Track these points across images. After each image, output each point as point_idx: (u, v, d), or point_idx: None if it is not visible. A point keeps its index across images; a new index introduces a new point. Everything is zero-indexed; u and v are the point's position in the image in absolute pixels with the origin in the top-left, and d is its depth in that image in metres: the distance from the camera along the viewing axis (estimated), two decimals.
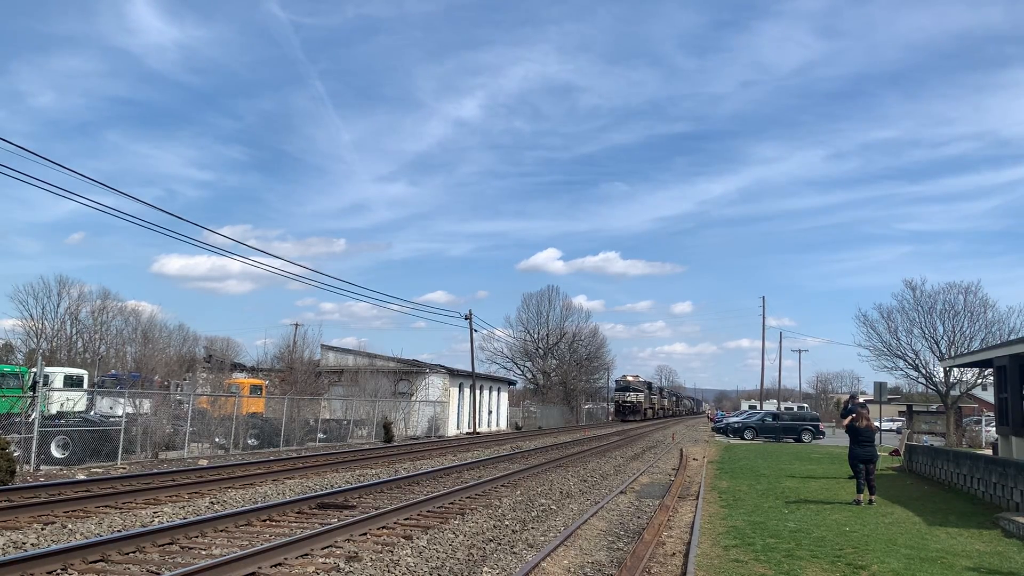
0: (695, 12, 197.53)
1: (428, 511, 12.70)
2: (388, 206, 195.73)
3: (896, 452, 28.69)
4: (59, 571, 7.89)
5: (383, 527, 11.09)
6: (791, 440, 44.94)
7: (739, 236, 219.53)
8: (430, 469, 19.23)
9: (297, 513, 12.11)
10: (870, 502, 15.37)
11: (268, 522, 11.27)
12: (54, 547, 8.56)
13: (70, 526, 10.18)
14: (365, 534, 10.49)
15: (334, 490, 14.64)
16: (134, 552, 8.87)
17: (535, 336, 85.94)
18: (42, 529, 9.91)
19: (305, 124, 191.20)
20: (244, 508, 11.97)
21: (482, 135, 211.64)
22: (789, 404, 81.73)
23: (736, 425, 49.68)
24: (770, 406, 73.53)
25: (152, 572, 8.00)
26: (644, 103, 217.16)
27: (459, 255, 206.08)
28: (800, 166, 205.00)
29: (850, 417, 16.79)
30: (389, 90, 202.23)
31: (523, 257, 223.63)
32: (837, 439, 35.99)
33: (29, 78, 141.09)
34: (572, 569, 9.08)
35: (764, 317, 75.43)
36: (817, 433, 46.43)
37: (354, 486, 15.32)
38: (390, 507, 12.54)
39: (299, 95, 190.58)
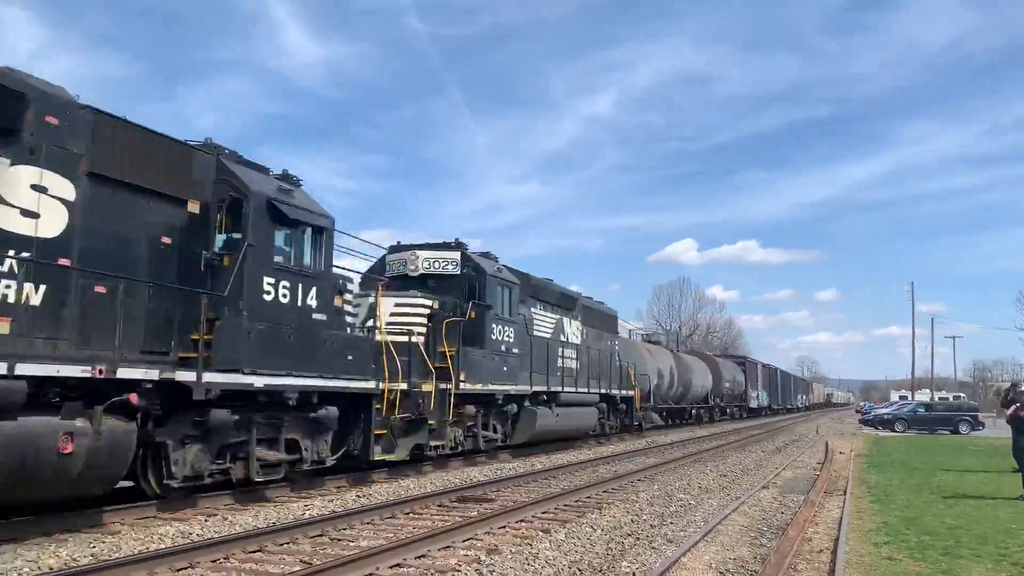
0: None
1: (565, 505, 12.75)
2: (521, 205, 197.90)
3: None
4: (222, 560, 8.47)
5: (521, 520, 11.22)
6: (947, 432, 42.40)
7: (885, 219, 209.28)
8: (565, 463, 19.30)
9: (439, 506, 12.43)
10: None
11: (411, 515, 11.63)
12: (216, 537, 9.20)
13: (230, 518, 10.85)
14: (504, 527, 10.65)
15: (473, 484, 14.95)
16: (288, 543, 9.37)
17: (666, 328, 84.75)
18: (205, 521, 10.61)
19: (443, 131, 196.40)
20: (388, 501, 12.41)
21: (614, 130, 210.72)
22: (943, 394, 77.24)
23: (886, 417, 47.50)
24: (922, 396, 69.54)
25: (304, 562, 8.42)
26: (782, 88, 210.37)
27: (591, 250, 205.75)
28: (952, 143, 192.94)
29: (1014, 407, 15.74)
30: (523, 93, 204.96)
31: (655, 249, 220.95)
32: (998, 430, 33.58)
33: (192, 100, 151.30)
34: (714, 564, 8.90)
35: (913, 303, 71.78)
36: (975, 424, 43.61)
37: (491, 480, 15.59)
38: (527, 501, 12.67)
39: (437, 104, 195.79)
